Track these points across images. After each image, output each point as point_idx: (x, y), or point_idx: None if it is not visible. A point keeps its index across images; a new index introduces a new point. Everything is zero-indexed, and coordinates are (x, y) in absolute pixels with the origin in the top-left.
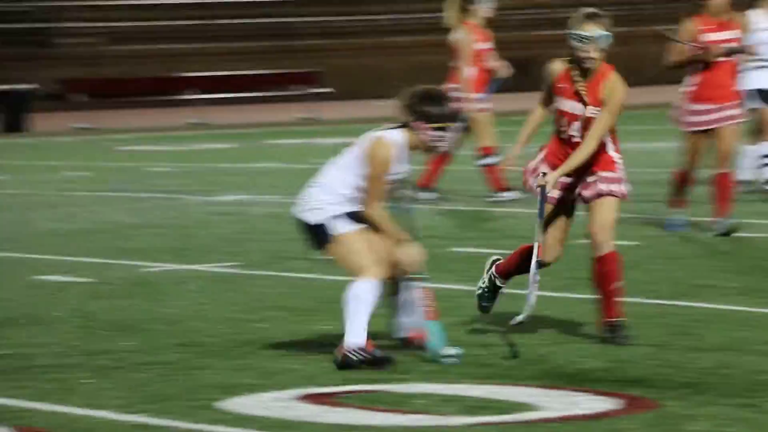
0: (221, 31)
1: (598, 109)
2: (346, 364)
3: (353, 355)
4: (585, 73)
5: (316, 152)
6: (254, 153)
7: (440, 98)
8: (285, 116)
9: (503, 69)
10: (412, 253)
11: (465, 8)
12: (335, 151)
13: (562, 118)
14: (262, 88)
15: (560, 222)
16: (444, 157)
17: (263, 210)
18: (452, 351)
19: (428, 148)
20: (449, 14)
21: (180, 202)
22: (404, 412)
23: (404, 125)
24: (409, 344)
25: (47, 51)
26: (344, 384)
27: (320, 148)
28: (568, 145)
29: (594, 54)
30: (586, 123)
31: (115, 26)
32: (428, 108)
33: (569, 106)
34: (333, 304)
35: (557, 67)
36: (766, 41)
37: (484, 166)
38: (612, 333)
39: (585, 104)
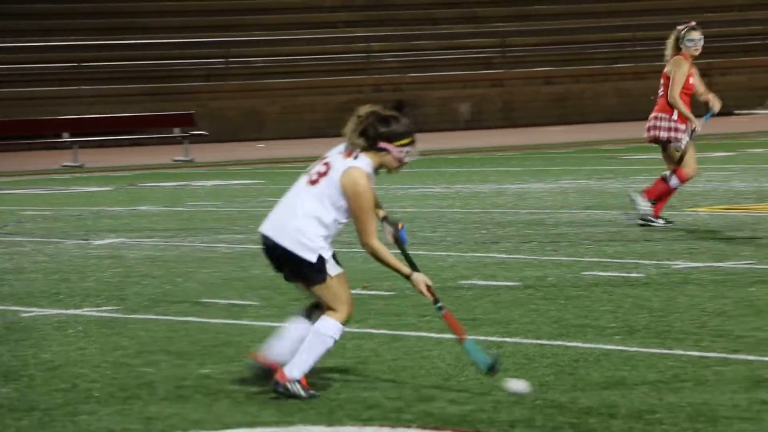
0: (95, 73)
1: None
2: (284, 392)
3: (292, 387)
4: None
5: (191, 195)
6: (130, 196)
7: (396, 116)
8: (160, 159)
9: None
10: (420, 283)
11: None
12: (215, 194)
13: None
14: (136, 130)
15: None
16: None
17: (141, 253)
18: (489, 360)
19: (399, 167)
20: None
21: (56, 245)
22: None
23: (368, 150)
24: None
25: None
26: (227, 428)
27: (196, 191)
28: None
29: None
30: None
31: None
32: (391, 128)
33: None
34: (214, 347)
35: None
36: None
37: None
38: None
39: None
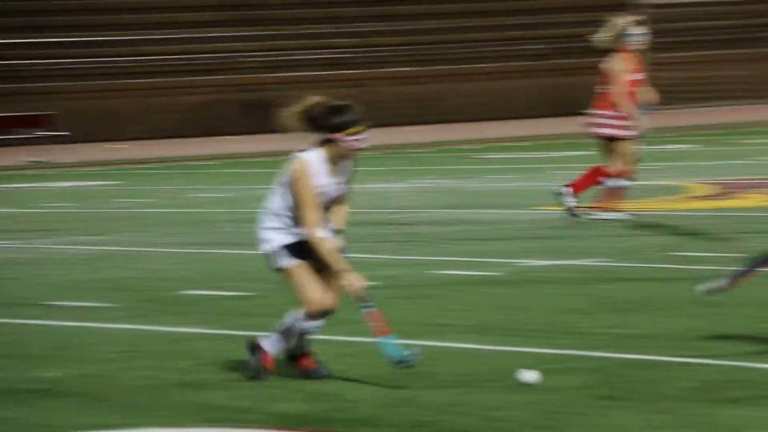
0: None
1: None
2: (251, 350)
3: (257, 355)
4: None
5: (47, 197)
6: None
7: (345, 106)
8: (13, 160)
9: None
10: (353, 282)
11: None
12: (72, 195)
13: None
14: None
15: None
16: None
17: None
18: (406, 353)
19: (352, 154)
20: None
21: None
22: None
23: (321, 142)
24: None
25: None
26: (75, 430)
27: (52, 192)
28: None
29: None
30: None
31: None
32: (342, 118)
33: None
34: (64, 350)
35: None
36: None
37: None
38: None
39: None
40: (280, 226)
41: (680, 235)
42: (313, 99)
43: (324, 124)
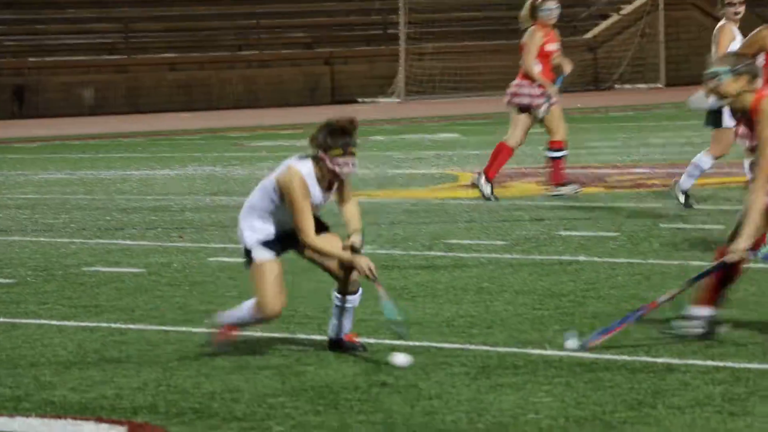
0: None
1: None
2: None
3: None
4: None
5: None
6: None
7: (341, 129)
8: None
9: (567, 66)
10: (362, 265)
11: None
12: None
13: None
14: None
15: None
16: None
17: None
18: (401, 320)
19: (334, 176)
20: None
21: None
22: None
23: (312, 157)
24: (342, 345)
25: None
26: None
27: None
28: None
29: None
30: None
31: None
32: (328, 139)
33: None
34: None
35: None
36: None
37: (552, 159)
38: None
39: None
40: (257, 222)
41: (450, 224)
42: (326, 120)
43: (317, 142)
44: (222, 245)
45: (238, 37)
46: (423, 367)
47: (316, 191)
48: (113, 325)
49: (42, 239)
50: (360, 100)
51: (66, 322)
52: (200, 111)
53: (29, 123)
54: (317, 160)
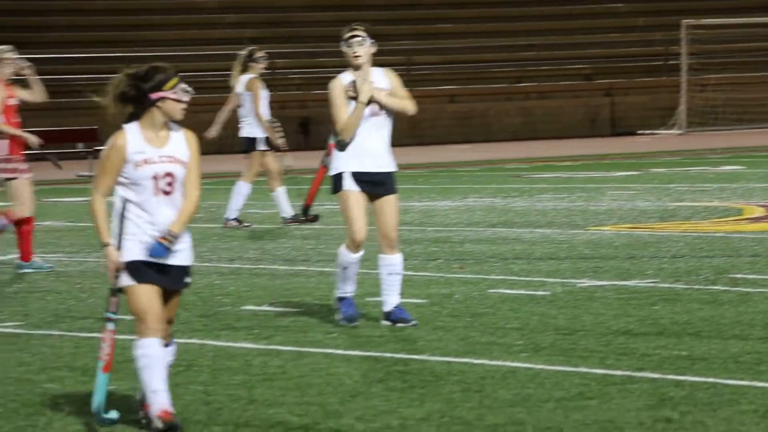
0: None
1: None
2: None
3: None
4: None
5: None
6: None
7: (154, 67)
8: (64, 174)
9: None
10: (109, 261)
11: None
12: None
13: None
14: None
15: None
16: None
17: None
18: (113, 415)
19: (178, 111)
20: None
21: None
22: None
23: (137, 112)
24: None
25: None
26: None
27: None
28: None
29: None
30: None
31: None
32: (154, 77)
33: None
34: (116, 364)
35: None
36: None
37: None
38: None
39: None
40: (120, 232)
41: (735, 258)
42: (117, 77)
43: (145, 86)
44: (503, 277)
45: (517, 69)
46: (709, 403)
47: (144, 144)
48: (396, 356)
49: (326, 269)
50: (639, 132)
51: (351, 351)
52: (478, 143)
53: (315, 154)
54: (152, 106)
